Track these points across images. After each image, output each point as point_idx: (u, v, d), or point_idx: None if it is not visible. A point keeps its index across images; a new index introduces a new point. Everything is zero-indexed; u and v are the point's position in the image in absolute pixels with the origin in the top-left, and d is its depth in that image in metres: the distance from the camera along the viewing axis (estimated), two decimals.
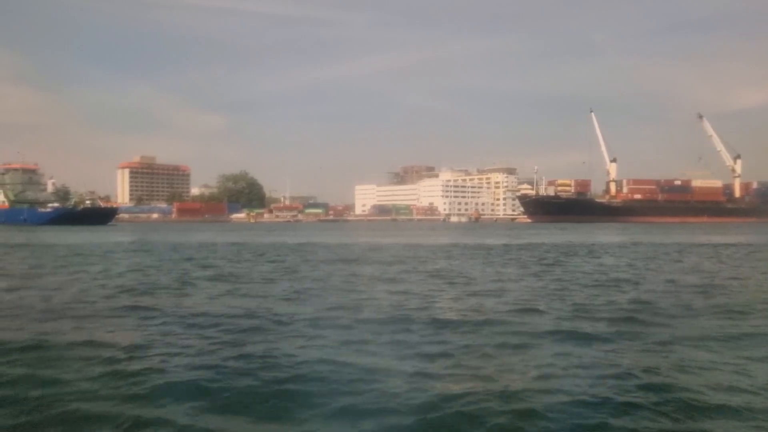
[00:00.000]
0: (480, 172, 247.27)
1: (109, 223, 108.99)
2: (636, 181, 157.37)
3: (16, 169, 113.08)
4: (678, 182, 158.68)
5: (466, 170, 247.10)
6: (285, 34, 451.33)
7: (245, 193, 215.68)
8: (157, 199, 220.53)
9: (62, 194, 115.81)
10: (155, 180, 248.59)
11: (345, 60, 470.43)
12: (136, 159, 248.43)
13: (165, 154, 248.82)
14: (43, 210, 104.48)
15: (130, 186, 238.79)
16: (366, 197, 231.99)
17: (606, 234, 59.56)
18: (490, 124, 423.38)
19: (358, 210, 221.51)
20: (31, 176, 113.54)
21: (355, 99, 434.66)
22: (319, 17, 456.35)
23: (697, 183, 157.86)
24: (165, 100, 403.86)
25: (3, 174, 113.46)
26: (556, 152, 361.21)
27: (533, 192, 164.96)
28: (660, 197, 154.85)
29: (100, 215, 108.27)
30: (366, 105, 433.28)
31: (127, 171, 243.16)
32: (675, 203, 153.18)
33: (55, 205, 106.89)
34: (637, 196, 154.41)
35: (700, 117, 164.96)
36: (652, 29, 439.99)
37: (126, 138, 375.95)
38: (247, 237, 52.57)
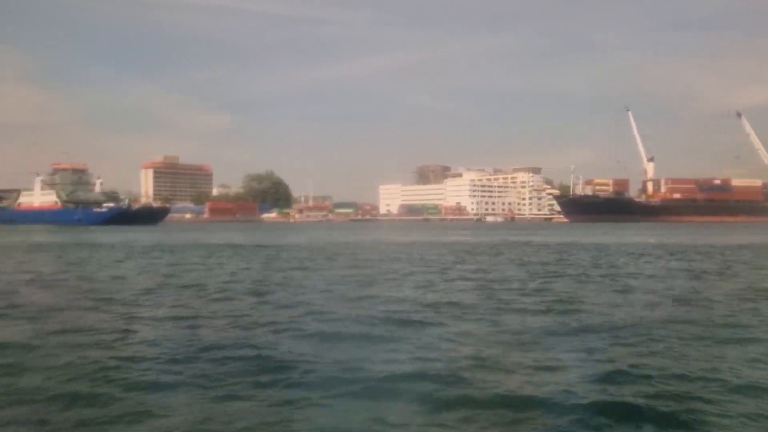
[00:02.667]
0: (496, 171, 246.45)
1: (159, 223, 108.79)
2: (675, 180, 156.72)
3: (65, 170, 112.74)
4: (717, 181, 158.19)
5: (482, 169, 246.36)
6: (285, 34, 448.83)
7: (270, 193, 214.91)
8: (181, 199, 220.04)
9: (110, 194, 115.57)
10: (178, 180, 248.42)
11: (345, 60, 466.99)
12: (160, 159, 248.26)
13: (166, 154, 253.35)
14: (98, 210, 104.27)
15: (154, 186, 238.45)
16: (391, 197, 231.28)
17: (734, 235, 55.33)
18: (492, 124, 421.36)
19: (382, 209, 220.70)
20: (81, 176, 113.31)
21: (356, 99, 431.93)
22: (319, 17, 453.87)
23: (737, 182, 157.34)
24: (166, 100, 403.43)
25: (53, 174, 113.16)
26: (558, 151, 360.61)
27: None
28: (699, 196, 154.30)
29: (153, 215, 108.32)
30: (366, 105, 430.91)
31: (150, 171, 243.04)
32: (713, 202, 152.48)
33: (110, 204, 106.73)
34: (676, 195, 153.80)
35: (739, 115, 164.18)
36: (654, 27, 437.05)
37: (126, 138, 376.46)
38: (344, 237, 51.92)
